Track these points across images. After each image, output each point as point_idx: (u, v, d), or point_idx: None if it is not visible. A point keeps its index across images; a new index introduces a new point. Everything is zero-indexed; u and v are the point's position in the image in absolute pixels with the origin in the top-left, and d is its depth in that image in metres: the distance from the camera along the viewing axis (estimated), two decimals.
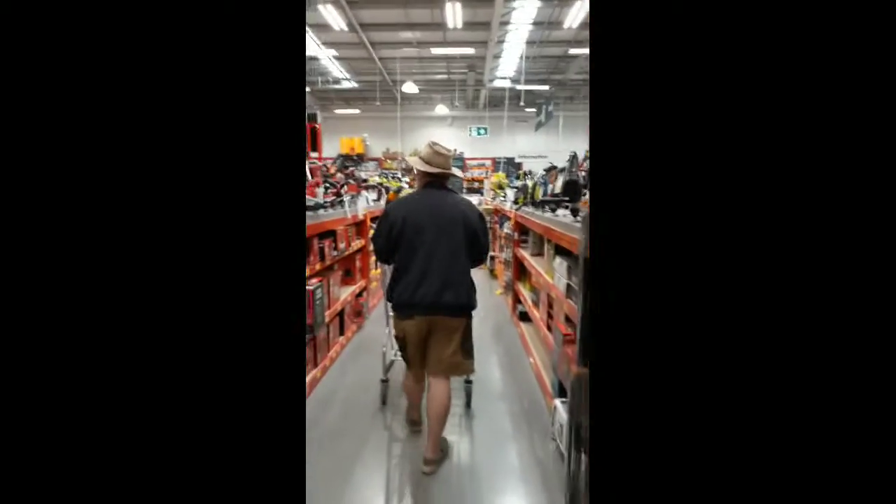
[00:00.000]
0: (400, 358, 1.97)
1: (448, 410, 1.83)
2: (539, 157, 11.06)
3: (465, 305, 1.78)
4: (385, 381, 2.31)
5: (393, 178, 7.32)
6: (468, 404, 2.27)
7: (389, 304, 1.90)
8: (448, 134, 12.70)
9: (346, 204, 3.13)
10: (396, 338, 1.86)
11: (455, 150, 12.22)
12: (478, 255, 1.83)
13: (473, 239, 1.79)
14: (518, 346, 3.25)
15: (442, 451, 1.87)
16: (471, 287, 1.80)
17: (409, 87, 9.92)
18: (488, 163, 12.17)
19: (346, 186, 3.48)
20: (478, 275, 5.14)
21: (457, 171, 1.97)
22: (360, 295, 3.65)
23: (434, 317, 1.74)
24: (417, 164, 1.83)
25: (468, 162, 12.36)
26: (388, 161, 12.16)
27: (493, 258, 6.05)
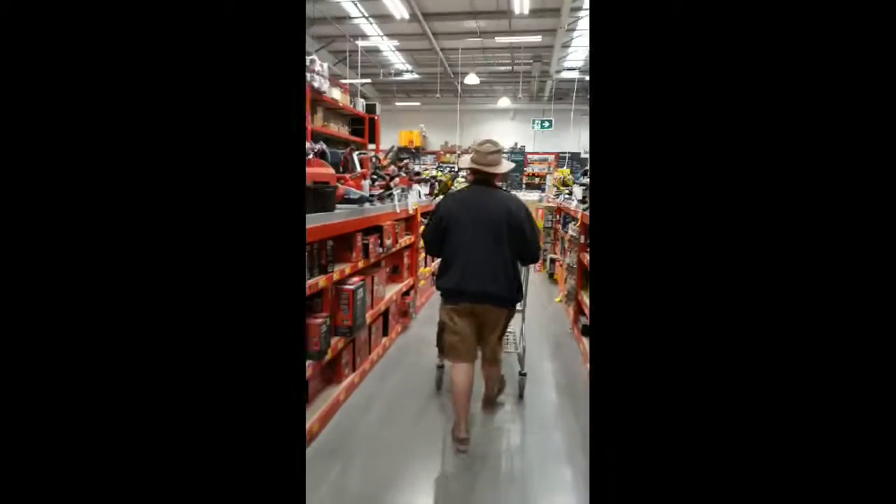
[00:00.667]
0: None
1: (494, 382, 2.10)
2: None
3: (507, 297, 1.85)
4: (441, 367, 2.39)
5: (449, 171, 7.06)
6: (521, 396, 2.33)
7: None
8: (510, 128, 12.32)
9: (396, 198, 2.88)
10: (440, 324, 1.94)
11: (516, 145, 12.08)
12: (525, 251, 1.89)
13: (519, 235, 1.84)
14: (577, 365, 2.89)
15: (495, 404, 2.15)
16: (515, 280, 1.86)
17: (471, 79, 9.59)
18: (551, 157, 11.61)
19: (396, 179, 3.23)
20: (536, 279, 4.62)
21: (505, 165, 1.97)
22: (406, 294, 3.40)
23: (481, 305, 1.84)
24: (465, 163, 1.96)
25: (530, 157, 11.88)
26: (447, 155, 11.94)
27: (553, 261, 5.59)
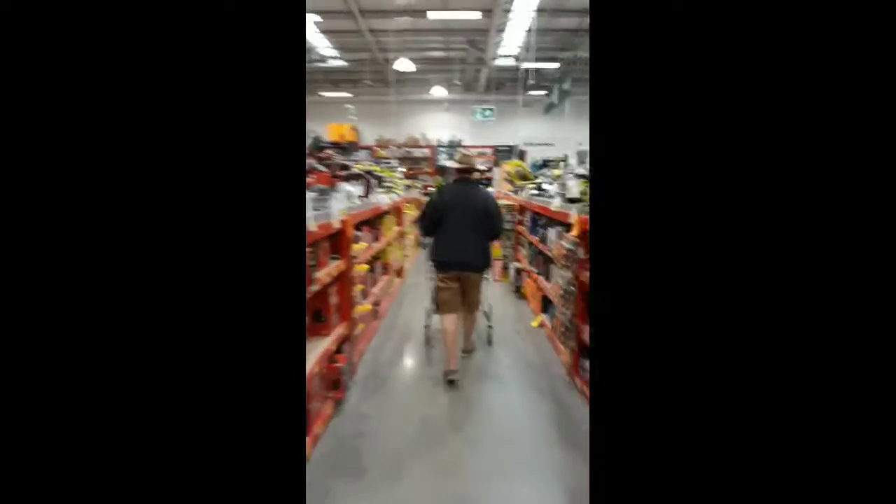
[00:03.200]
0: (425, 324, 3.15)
1: (474, 325, 2.89)
2: (545, 144, 9.83)
3: (483, 265, 2.66)
4: (427, 327, 3.21)
5: (387, 166, 5.90)
6: (489, 342, 3.14)
7: (432, 264, 2.72)
8: (445, 119, 11.36)
9: (310, 204, 1.65)
10: (435, 287, 2.70)
11: (454, 137, 10.97)
12: (494, 232, 2.70)
13: (492, 220, 2.65)
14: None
15: (471, 350, 2.95)
16: (487, 253, 2.67)
17: (404, 65, 8.35)
18: (489, 151, 10.79)
19: (313, 177, 1.97)
20: (498, 291, 4.42)
21: (479, 163, 2.85)
22: (338, 351, 2.14)
23: (465, 272, 2.60)
24: (451, 164, 2.86)
25: (470, 150, 10.79)
26: (381, 150, 10.62)
27: (519, 273, 4.53)
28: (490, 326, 3.20)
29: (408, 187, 5.72)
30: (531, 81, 8.89)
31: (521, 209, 4.73)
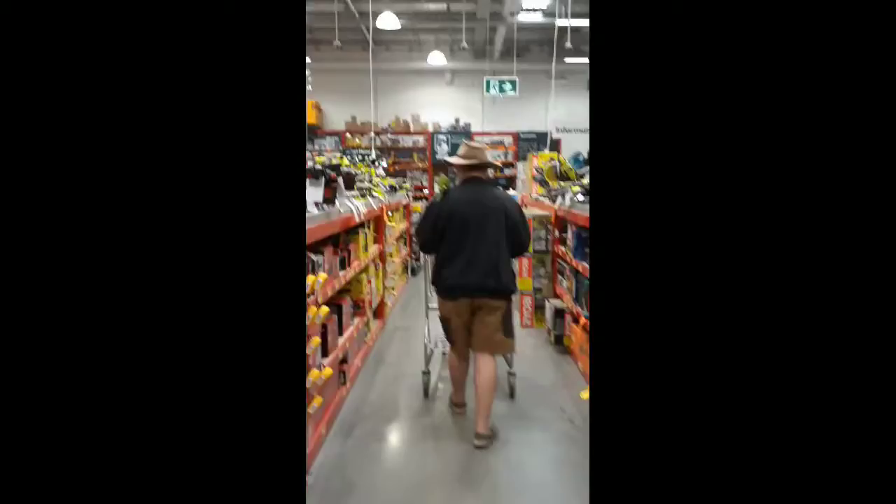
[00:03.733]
0: (442, 350, 3.33)
1: (495, 384, 2.77)
2: (586, 130, 9.71)
3: (506, 289, 2.72)
4: (427, 374, 3.33)
5: (363, 160, 5.67)
6: (511, 395, 3.27)
7: (433, 294, 2.95)
8: (447, 96, 11.27)
9: None
10: (442, 319, 2.84)
11: (457, 122, 10.91)
12: (518, 246, 2.82)
13: (514, 231, 2.75)
14: None
15: (491, 432, 2.76)
16: (511, 273, 2.78)
17: (389, 21, 8.21)
18: (508, 140, 10.77)
19: None
20: (528, 342, 4.39)
21: (490, 159, 2.95)
22: None
23: (479, 299, 2.68)
24: (455, 161, 2.85)
25: (478, 138, 10.72)
26: (354, 137, 10.41)
27: (561, 315, 4.22)
28: (511, 373, 3.29)
29: (393, 189, 5.45)
30: (568, 45, 8.61)
31: (560, 222, 4.49)
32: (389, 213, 5.13)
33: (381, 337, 4.48)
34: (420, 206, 7.38)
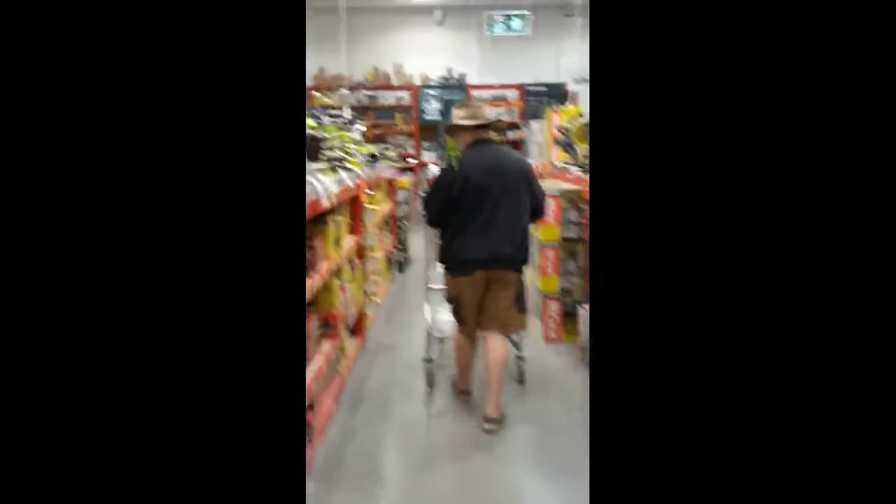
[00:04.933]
0: (439, 336, 3.57)
1: (506, 363, 2.99)
2: None
3: (522, 259, 2.93)
4: (430, 361, 3.49)
5: (334, 122, 5.02)
6: (521, 380, 3.53)
7: (437, 271, 3.24)
8: (436, 40, 10.89)
9: None
10: (450, 298, 3.01)
11: (450, 73, 10.39)
12: (538, 208, 3.04)
13: (531, 192, 2.95)
14: None
15: (501, 415, 3.00)
16: (527, 240, 2.96)
17: None
18: (513, 94, 10.35)
19: None
20: (554, 363, 4.10)
21: (493, 116, 3.15)
22: None
23: (492, 271, 2.85)
24: (461, 121, 3.00)
25: (475, 92, 10.27)
26: (322, 94, 9.75)
27: None
28: (520, 357, 3.51)
29: (373, 158, 4.90)
30: None
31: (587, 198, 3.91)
32: (369, 192, 4.55)
33: (360, 360, 3.90)
34: (407, 181, 6.84)
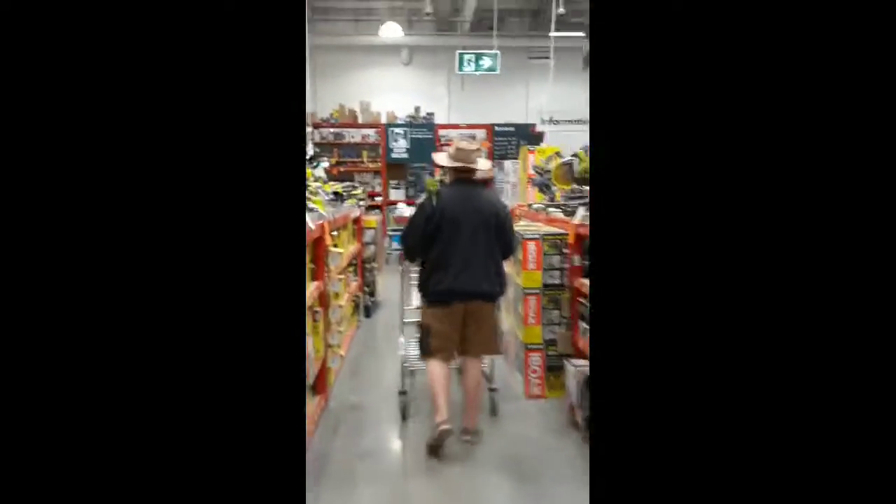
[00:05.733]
0: (409, 367, 3.76)
1: (482, 385, 3.37)
2: (580, 121, 9.56)
3: (498, 294, 3.21)
4: (404, 394, 3.62)
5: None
6: (494, 411, 3.61)
7: (413, 305, 3.71)
8: (404, 79, 11.15)
9: None
10: (423, 327, 3.20)
11: (417, 112, 10.35)
12: (508, 249, 3.28)
13: (502, 232, 3.17)
14: None
15: (477, 433, 3.21)
16: (502, 275, 3.22)
17: None
18: (481, 133, 10.37)
19: None
20: (538, 421, 3.79)
21: (482, 164, 3.37)
22: None
23: (472, 303, 3.07)
24: (444, 161, 3.24)
25: (442, 133, 10.48)
26: None
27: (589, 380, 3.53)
28: (493, 389, 3.64)
29: (337, 197, 4.61)
30: (560, 10, 8.40)
31: (580, 244, 3.76)
32: (333, 233, 4.20)
33: (321, 425, 3.44)
34: (374, 221, 6.54)
